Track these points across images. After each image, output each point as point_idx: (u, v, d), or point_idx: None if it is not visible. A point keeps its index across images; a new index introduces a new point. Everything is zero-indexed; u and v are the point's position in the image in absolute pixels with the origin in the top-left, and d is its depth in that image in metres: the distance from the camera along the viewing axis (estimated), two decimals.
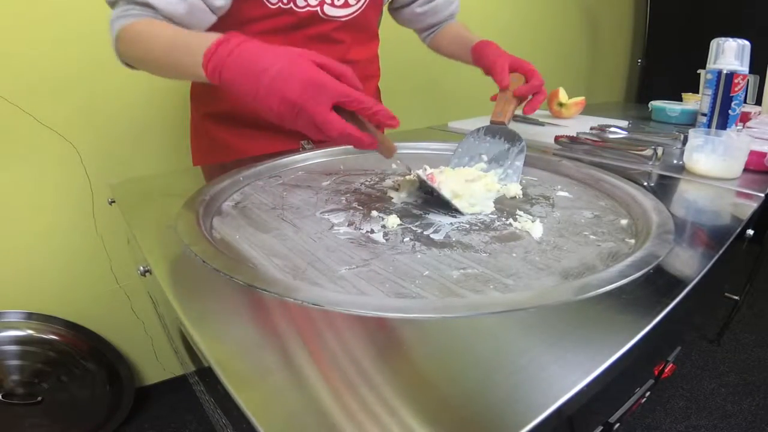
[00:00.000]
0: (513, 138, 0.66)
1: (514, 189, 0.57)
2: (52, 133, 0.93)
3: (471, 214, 0.51)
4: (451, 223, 0.49)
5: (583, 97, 1.09)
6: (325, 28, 0.70)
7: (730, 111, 0.81)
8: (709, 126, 0.83)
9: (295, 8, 0.66)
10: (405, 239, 0.45)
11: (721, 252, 0.41)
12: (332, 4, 0.69)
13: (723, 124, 0.82)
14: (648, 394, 0.47)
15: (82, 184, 0.98)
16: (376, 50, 0.84)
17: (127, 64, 0.60)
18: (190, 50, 0.48)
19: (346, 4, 0.70)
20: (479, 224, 0.49)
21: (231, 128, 0.76)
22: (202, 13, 0.60)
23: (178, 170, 0.70)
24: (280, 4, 0.65)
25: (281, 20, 0.66)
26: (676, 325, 0.38)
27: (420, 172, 0.54)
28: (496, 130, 0.68)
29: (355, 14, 0.72)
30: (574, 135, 0.79)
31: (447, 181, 0.53)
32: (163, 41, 0.52)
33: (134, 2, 0.56)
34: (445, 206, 0.52)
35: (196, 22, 0.60)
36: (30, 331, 0.97)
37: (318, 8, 0.67)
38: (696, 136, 0.66)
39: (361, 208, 0.53)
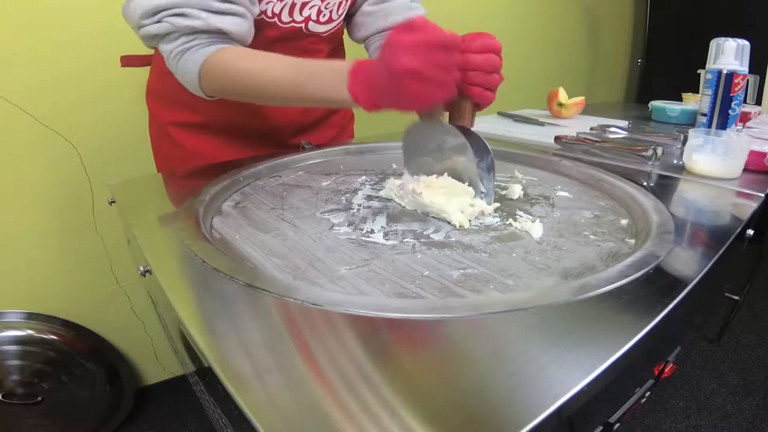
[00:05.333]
0: (482, 149, 0.52)
1: (517, 191, 0.56)
2: (52, 133, 0.93)
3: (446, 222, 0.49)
4: (450, 223, 0.49)
5: (582, 97, 1.09)
6: (306, 42, 0.70)
7: (730, 111, 0.81)
8: (709, 126, 0.83)
9: (279, 23, 0.64)
10: (405, 239, 0.45)
11: (721, 252, 0.41)
12: (317, 21, 0.68)
13: (723, 124, 0.82)
14: (648, 394, 0.47)
15: (82, 184, 0.98)
16: (344, 58, 0.82)
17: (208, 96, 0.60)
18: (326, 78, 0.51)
19: (329, 20, 0.69)
20: (479, 224, 0.49)
21: (202, 136, 0.73)
22: (252, 25, 0.59)
23: (178, 170, 0.70)
24: (263, 16, 0.62)
25: (263, 34, 0.64)
26: (676, 325, 0.38)
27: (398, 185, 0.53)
28: (429, 131, 0.55)
29: (335, 29, 0.72)
30: (574, 135, 0.79)
31: (428, 191, 0.51)
32: (285, 69, 0.54)
33: (201, 31, 0.54)
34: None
35: (250, 37, 0.60)
36: (30, 331, 0.97)
37: (303, 25, 0.67)
38: (696, 136, 0.66)
39: (361, 207, 0.53)
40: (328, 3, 0.67)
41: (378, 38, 0.76)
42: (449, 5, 1.43)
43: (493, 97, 0.53)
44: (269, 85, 0.54)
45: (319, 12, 0.67)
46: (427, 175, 0.55)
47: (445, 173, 0.54)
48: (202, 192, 0.54)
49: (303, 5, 0.65)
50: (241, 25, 0.57)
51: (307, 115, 0.79)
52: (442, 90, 0.45)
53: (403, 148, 0.57)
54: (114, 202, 0.56)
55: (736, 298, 1.38)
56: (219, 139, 0.74)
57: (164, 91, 0.72)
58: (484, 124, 1.00)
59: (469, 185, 0.52)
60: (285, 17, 0.64)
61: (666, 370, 0.51)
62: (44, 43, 0.88)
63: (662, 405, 1.19)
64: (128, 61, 0.80)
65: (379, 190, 0.58)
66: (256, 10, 0.60)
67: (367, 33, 0.76)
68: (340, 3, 0.69)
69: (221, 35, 0.56)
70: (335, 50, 0.78)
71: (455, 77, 0.47)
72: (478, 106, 0.54)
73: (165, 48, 0.56)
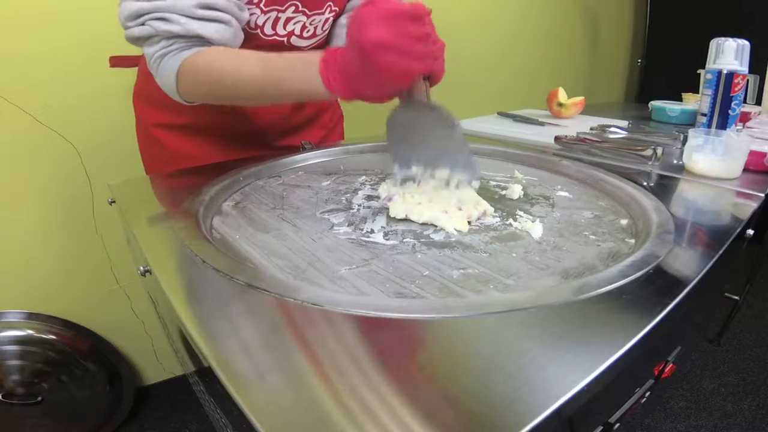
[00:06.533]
0: (442, 118, 0.50)
1: (517, 191, 0.57)
2: (52, 133, 0.93)
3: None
4: None
5: (582, 97, 1.09)
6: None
7: (729, 111, 0.81)
8: (709, 126, 0.83)
9: (261, 35, 0.64)
10: (405, 239, 0.45)
11: (721, 252, 0.41)
12: (300, 36, 0.67)
13: (723, 124, 0.82)
14: (648, 394, 0.47)
15: (82, 184, 0.98)
16: None
17: (185, 100, 0.58)
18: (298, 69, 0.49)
19: (313, 35, 0.69)
20: (479, 224, 0.49)
21: (186, 137, 0.73)
22: (239, 31, 0.58)
23: (177, 170, 0.70)
24: (246, 27, 0.61)
25: (248, 43, 0.62)
26: (676, 325, 0.38)
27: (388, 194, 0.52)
28: (414, 113, 0.51)
29: (318, 43, 0.71)
30: (574, 135, 0.79)
31: (414, 210, 0.49)
32: (257, 66, 0.52)
33: (179, 36, 0.54)
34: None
35: (237, 42, 0.59)
36: (30, 331, 0.97)
37: (285, 39, 0.66)
38: (696, 136, 0.66)
39: (361, 207, 0.53)
40: (314, 20, 0.66)
41: None
42: (449, 5, 1.43)
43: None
44: (242, 84, 0.53)
45: (304, 27, 0.66)
46: (420, 168, 0.52)
47: (437, 172, 0.52)
48: (202, 192, 0.54)
49: (287, 20, 0.64)
50: (224, 33, 0.55)
51: (294, 117, 0.78)
52: (418, 62, 0.43)
53: (388, 139, 0.53)
54: (114, 202, 0.56)
55: (736, 298, 1.38)
56: (203, 141, 0.73)
57: (149, 93, 0.72)
58: (484, 124, 1.00)
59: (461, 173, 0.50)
60: (268, 30, 0.63)
61: (666, 370, 0.51)
62: (44, 44, 0.88)
63: (662, 405, 1.19)
64: (117, 61, 0.80)
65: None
66: (246, 15, 0.59)
67: (342, 43, 0.75)
68: (326, 20, 0.69)
69: (201, 40, 0.55)
70: None
71: (430, 50, 0.44)
72: (429, 80, 0.50)
73: (147, 51, 0.56)
